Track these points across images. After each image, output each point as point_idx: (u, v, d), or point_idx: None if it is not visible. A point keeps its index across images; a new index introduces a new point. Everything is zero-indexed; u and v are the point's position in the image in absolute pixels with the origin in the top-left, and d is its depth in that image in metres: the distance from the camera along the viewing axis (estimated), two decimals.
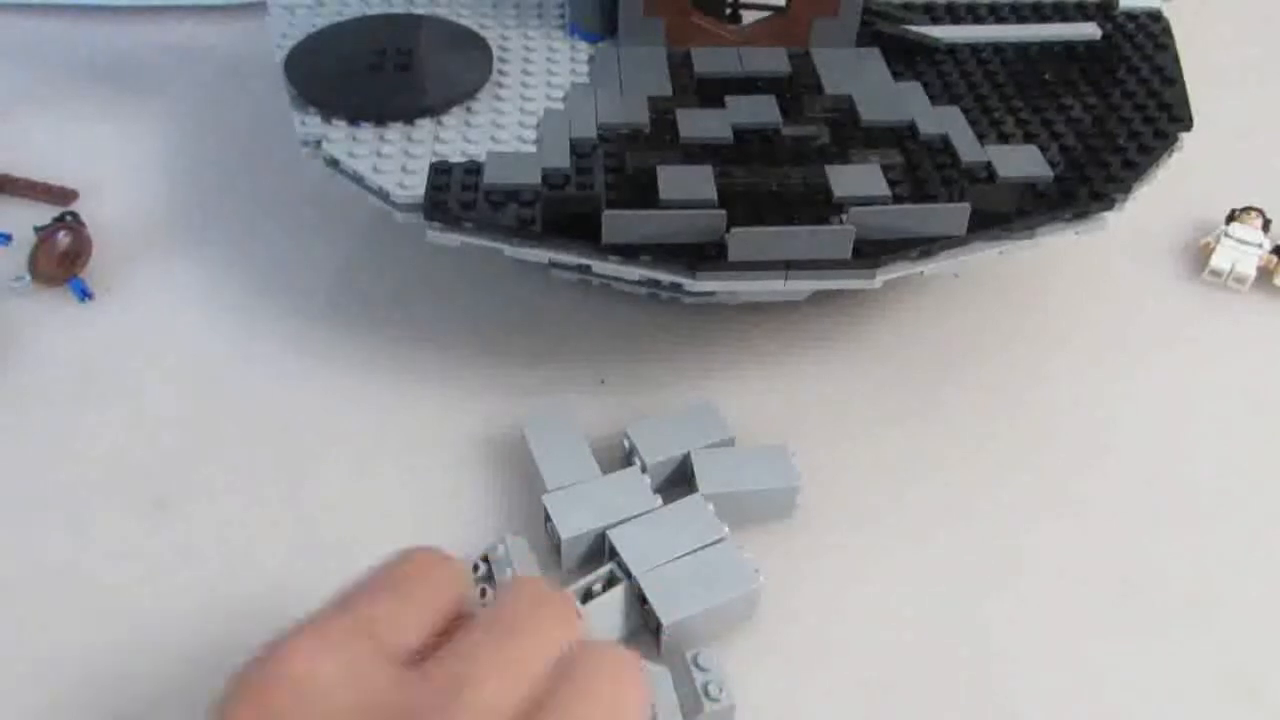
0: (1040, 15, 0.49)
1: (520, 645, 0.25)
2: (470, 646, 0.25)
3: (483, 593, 0.36)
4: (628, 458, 0.40)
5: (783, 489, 0.39)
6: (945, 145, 0.42)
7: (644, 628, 0.36)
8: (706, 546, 0.36)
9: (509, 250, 0.38)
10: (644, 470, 0.39)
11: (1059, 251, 0.48)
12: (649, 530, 0.36)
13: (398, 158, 0.40)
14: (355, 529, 0.39)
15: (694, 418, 0.40)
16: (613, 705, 0.25)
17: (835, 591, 0.38)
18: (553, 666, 0.25)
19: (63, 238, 0.47)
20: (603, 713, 0.24)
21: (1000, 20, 0.49)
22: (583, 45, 0.47)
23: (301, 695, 0.23)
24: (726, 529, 0.37)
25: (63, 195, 0.51)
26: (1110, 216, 0.41)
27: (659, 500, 0.38)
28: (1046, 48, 0.48)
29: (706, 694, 0.33)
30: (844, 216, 0.38)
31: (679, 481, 0.40)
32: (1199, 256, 0.50)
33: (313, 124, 0.41)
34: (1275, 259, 0.49)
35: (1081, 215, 0.40)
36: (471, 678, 0.24)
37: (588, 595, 0.35)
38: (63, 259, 0.47)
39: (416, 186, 0.39)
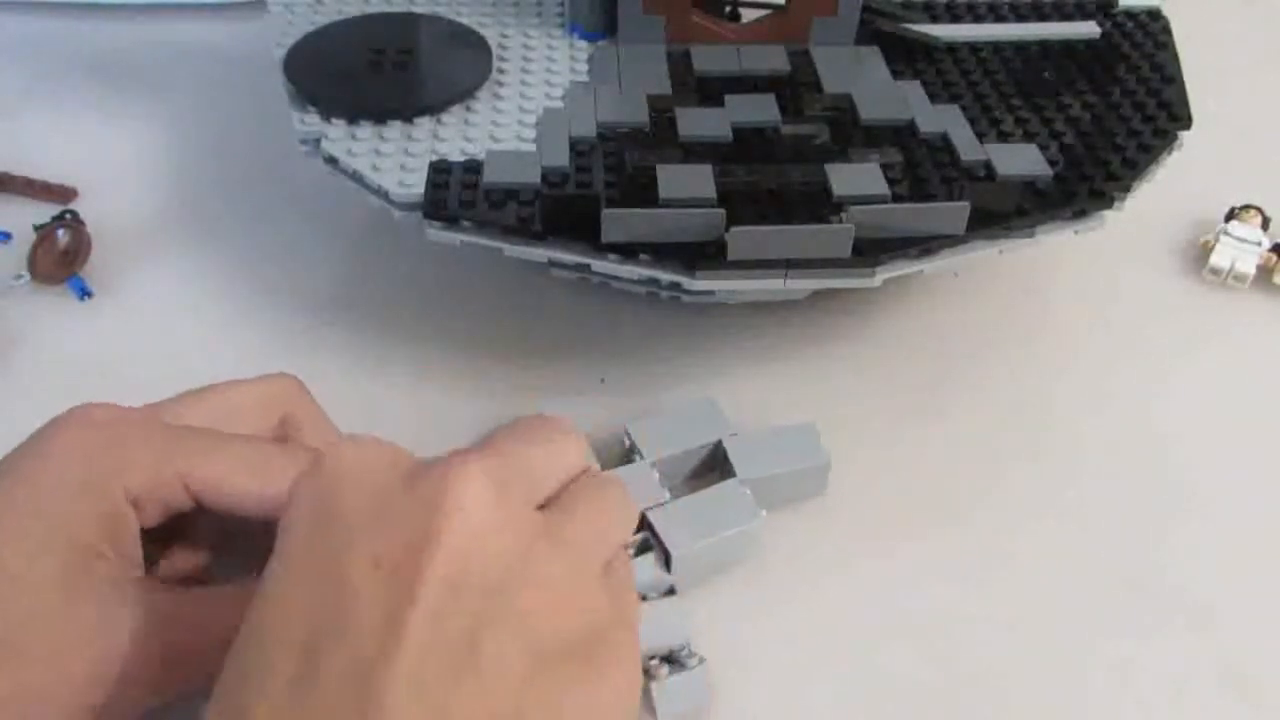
0: (1040, 14, 0.49)
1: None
2: (596, 510, 0.29)
3: None
4: (627, 455, 0.40)
5: (815, 467, 0.39)
6: (945, 144, 0.42)
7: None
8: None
9: (508, 249, 0.38)
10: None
11: (1059, 250, 0.48)
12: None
13: (397, 156, 0.40)
14: None
15: (695, 413, 0.41)
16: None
17: (827, 590, 0.38)
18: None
19: (62, 236, 0.47)
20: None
21: (1000, 19, 0.49)
22: (582, 44, 0.47)
23: (466, 530, 0.25)
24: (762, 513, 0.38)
25: (62, 193, 0.51)
26: (1110, 215, 0.41)
27: (667, 494, 0.38)
28: (1046, 46, 0.48)
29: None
30: (843, 215, 0.38)
31: (696, 476, 0.40)
32: (1198, 255, 0.50)
33: (312, 122, 0.41)
34: (1275, 257, 0.49)
35: (1081, 214, 0.40)
36: (606, 539, 0.29)
37: None
38: (62, 257, 0.47)
39: (416, 185, 0.39)
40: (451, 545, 0.25)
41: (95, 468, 0.31)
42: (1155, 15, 0.50)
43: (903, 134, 0.42)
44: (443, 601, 0.24)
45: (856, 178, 0.39)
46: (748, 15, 0.49)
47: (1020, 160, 0.41)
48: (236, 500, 0.33)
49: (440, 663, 0.24)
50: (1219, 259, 0.49)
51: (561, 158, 0.40)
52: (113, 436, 0.32)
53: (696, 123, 0.42)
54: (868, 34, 0.47)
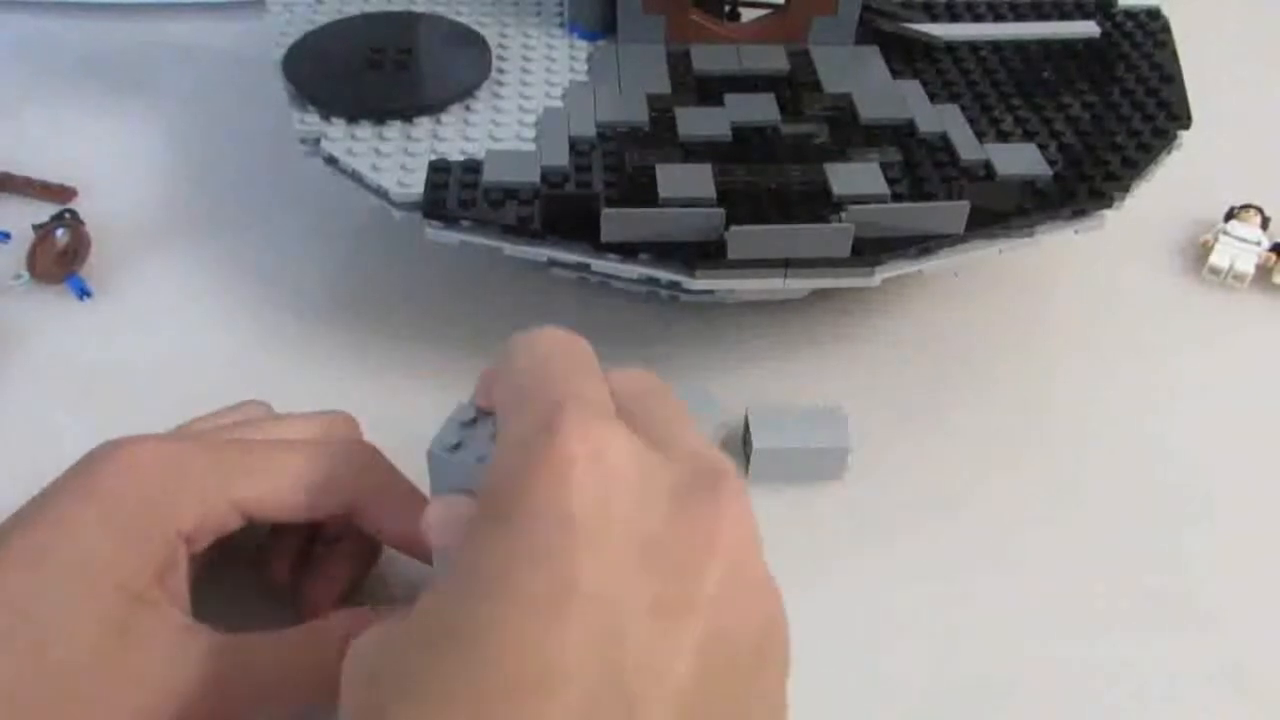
0: (1039, 13, 0.50)
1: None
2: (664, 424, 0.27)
3: None
4: None
5: (834, 449, 0.40)
6: (944, 143, 0.42)
7: None
8: None
9: (508, 249, 0.38)
10: None
11: (1059, 250, 0.48)
12: None
13: (396, 156, 0.40)
14: None
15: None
16: None
17: (820, 583, 0.38)
18: None
19: (61, 235, 0.47)
20: None
21: (999, 18, 0.49)
22: (581, 43, 0.47)
23: (600, 473, 0.24)
24: None
25: (61, 193, 0.51)
26: (1109, 214, 0.41)
27: None
28: (1046, 46, 0.48)
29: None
30: (843, 214, 0.38)
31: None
32: (1198, 254, 0.50)
33: (311, 122, 0.41)
34: (1274, 257, 0.49)
35: (1080, 213, 0.40)
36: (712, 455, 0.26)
37: None
38: (61, 257, 0.47)
39: (415, 185, 0.39)
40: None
41: (144, 510, 0.30)
42: (1155, 14, 0.50)
43: (902, 134, 0.42)
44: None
45: (856, 177, 0.39)
46: (747, 15, 0.49)
47: (1020, 160, 0.41)
48: (290, 516, 0.32)
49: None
50: (1218, 258, 0.49)
51: (561, 157, 0.40)
52: (161, 473, 0.31)
53: (696, 122, 0.42)
54: (867, 33, 0.47)
